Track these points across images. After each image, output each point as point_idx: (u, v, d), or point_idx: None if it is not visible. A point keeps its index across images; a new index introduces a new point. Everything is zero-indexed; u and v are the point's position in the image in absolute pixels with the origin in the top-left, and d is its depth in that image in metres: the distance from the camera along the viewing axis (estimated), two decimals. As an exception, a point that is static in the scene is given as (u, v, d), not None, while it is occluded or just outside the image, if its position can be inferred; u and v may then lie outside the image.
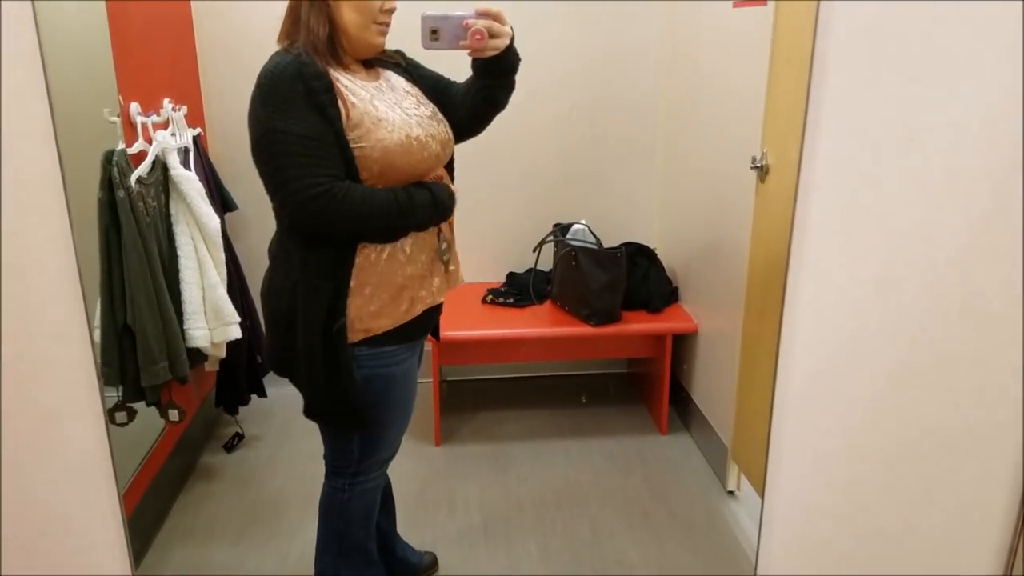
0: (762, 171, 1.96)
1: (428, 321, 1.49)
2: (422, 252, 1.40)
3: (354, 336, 1.35)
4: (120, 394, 1.85)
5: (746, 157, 2.00)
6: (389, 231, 1.33)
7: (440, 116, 1.42)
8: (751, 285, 2.08)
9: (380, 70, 1.42)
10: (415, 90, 1.43)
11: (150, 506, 2.05)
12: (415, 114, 1.36)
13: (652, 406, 2.76)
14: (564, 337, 2.54)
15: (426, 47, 1.31)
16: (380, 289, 1.36)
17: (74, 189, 1.74)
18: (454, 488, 2.31)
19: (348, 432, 1.47)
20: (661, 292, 2.66)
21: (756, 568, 1.30)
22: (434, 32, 1.29)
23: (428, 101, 1.43)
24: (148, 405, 1.93)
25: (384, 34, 1.35)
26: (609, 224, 2.78)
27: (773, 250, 1.93)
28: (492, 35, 1.33)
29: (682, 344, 2.65)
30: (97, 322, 1.81)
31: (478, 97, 1.46)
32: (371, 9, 1.29)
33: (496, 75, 1.42)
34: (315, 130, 1.22)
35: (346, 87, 1.29)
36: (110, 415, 1.87)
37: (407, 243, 1.37)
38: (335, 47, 1.30)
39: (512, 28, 1.37)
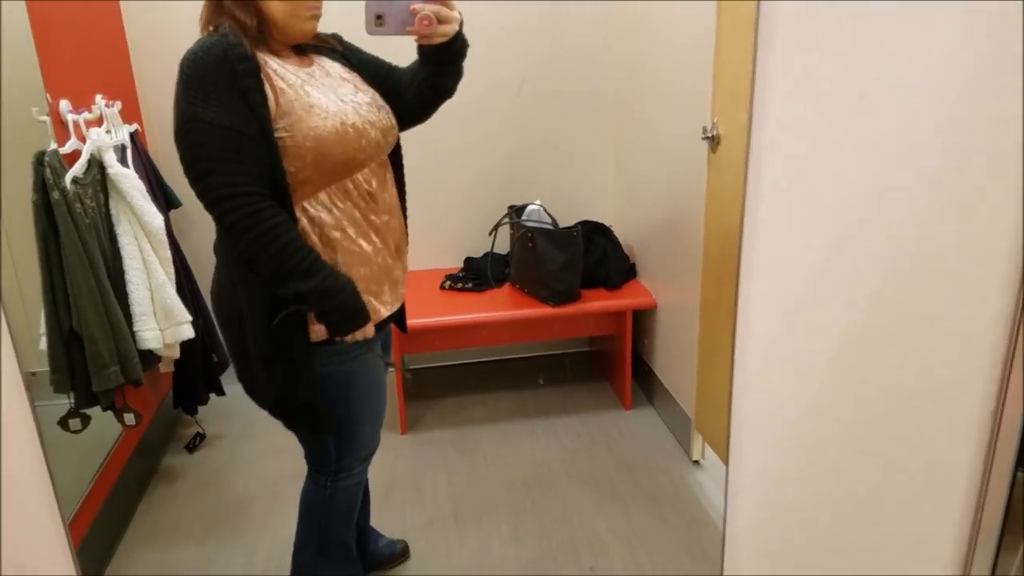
0: (713, 141, 1.98)
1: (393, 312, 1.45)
2: (380, 252, 1.36)
3: (315, 335, 1.32)
4: (72, 401, 1.81)
5: (697, 128, 2.02)
6: (271, 280, 1.24)
7: (381, 103, 1.37)
8: (707, 256, 2.11)
9: (313, 56, 1.36)
10: (353, 76, 1.37)
11: (113, 510, 2.01)
12: (352, 101, 1.30)
13: (615, 382, 2.79)
14: (524, 319, 2.55)
15: (370, 32, 1.25)
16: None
17: (7, 192, 1.70)
18: (422, 475, 2.31)
19: (316, 433, 1.45)
20: (619, 269, 2.68)
21: (724, 536, 1.32)
22: (379, 17, 1.23)
23: (368, 87, 1.37)
24: (104, 410, 1.88)
25: (316, 19, 1.28)
26: (564, 203, 2.78)
27: (727, 219, 1.96)
28: (440, 20, 1.28)
29: (642, 319, 2.68)
30: (42, 329, 1.75)
31: (424, 84, 1.41)
32: None
33: (444, 62, 1.38)
34: (236, 120, 1.16)
35: (275, 71, 1.23)
36: (63, 423, 1.82)
37: (361, 239, 1.33)
38: (263, 33, 1.24)
39: (460, 13, 1.32)
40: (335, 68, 1.36)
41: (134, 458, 2.17)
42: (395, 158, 1.44)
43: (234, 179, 1.17)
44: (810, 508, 1.30)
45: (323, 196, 1.28)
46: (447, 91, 1.44)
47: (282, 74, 1.24)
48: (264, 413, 1.43)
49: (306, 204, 1.27)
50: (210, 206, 1.20)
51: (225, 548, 2.00)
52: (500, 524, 2.07)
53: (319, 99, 1.25)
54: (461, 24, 1.33)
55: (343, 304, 1.26)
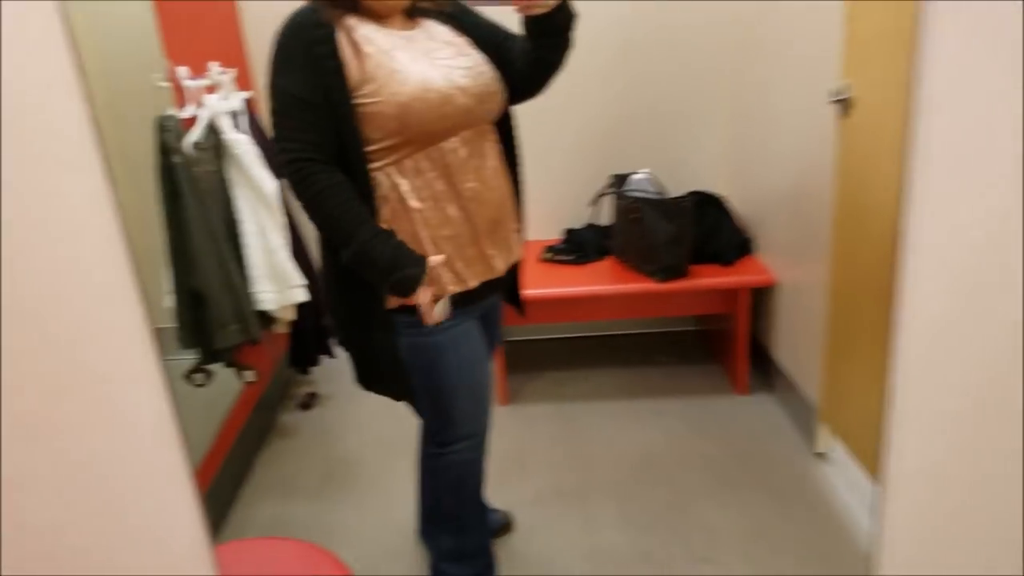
0: (845, 104, 1.80)
1: (485, 290, 1.40)
2: (463, 224, 1.32)
3: (390, 302, 1.32)
4: (197, 357, 1.91)
5: (823, 90, 1.85)
6: (334, 240, 1.28)
7: (483, 68, 1.32)
8: (838, 229, 1.93)
9: (421, 20, 1.34)
10: (460, 40, 1.34)
11: (234, 464, 2.13)
12: (446, 65, 1.26)
13: (728, 365, 2.65)
14: (628, 295, 2.46)
15: (474, 4, 1.26)
16: (419, 247, 1.31)
17: (133, 155, 1.80)
18: (523, 448, 2.29)
19: (400, 401, 1.45)
20: (733, 243, 2.53)
21: (878, 538, 1.20)
22: None
23: (473, 52, 1.33)
24: (227, 366, 1.98)
25: None
26: (673, 172, 2.65)
27: (865, 188, 1.78)
28: None
29: (759, 298, 2.52)
30: (167, 287, 1.85)
31: (531, 57, 1.35)
32: None
33: (547, 33, 1.31)
34: (302, 88, 1.19)
35: (364, 37, 1.23)
36: (188, 377, 1.93)
37: (440, 209, 1.30)
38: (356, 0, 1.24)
39: None
40: (440, 32, 1.33)
41: (253, 414, 2.29)
42: (504, 128, 1.40)
43: (293, 145, 1.21)
44: (978, 512, 1.15)
45: (407, 163, 1.27)
46: (553, 65, 1.37)
47: (372, 38, 1.23)
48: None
49: (389, 170, 1.27)
50: (281, 167, 1.28)
51: (338, 504, 2.07)
52: (606, 505, 2.02)
53: (405, 64, 1.23)
54: None
55: (384, 271, 1.24)
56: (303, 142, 1.21)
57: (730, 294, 2.49)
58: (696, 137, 2.72)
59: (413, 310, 1.30)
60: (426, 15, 1.35)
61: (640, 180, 2.46)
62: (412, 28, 1.31)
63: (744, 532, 1.89)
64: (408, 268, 1.24)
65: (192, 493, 1.24)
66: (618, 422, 2.41)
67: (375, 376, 1.41)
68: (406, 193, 1.28)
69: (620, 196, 2.49)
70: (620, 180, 2.52)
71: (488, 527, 1.71)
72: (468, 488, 1.58)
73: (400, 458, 2.24)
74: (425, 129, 1.24)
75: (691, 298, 2.59)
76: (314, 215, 1.25)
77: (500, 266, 1.40)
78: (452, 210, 1.30)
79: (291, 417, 2.52)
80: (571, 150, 2.71)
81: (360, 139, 1.23)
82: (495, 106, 1.34)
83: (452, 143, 1.28)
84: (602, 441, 2.31)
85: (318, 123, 1.21)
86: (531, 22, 1.29)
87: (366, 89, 1.21)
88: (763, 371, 2.57)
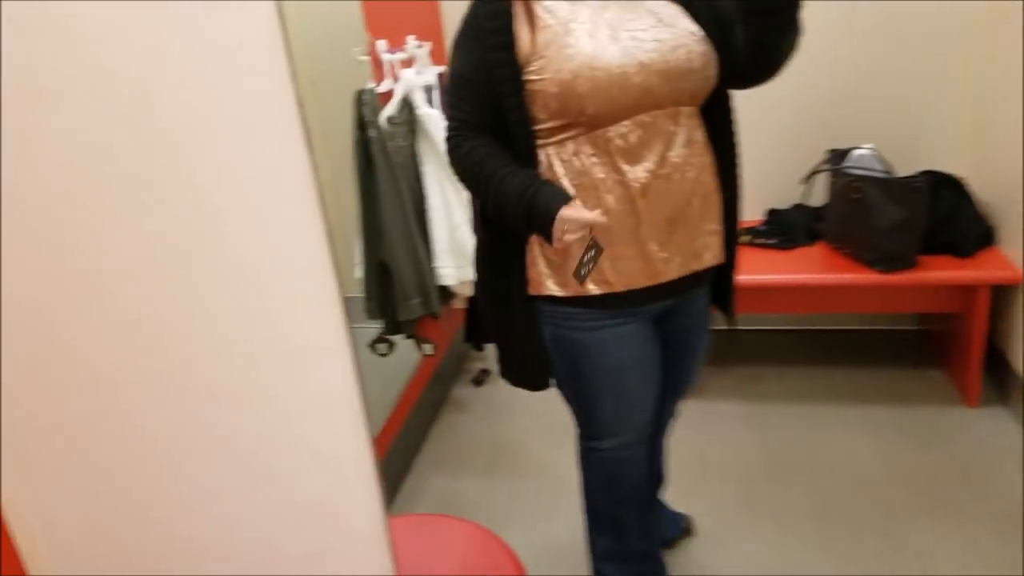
0: None
1: (648, 295, 1.23)
2: (625, 216, 1.17)
3: (533, 288, 1.23)
4: (382, 327, 1.94)
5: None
6: (479, 196, 1.23)
7: (686, 43, 1.14)
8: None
9: None
10: (671, 10, 1.17)
11: (411, 433, 2.16)
12: (633, 38, 1.12)
13: (956, 372, 2.27)
14: (842, 286, 2.16)
15: None
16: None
17: (330, 127, 1.84)
18: (708, 449, 2.11)
19: (528, 389, 1.37)
20: (972, 232, 2.14)
21: None
22: None
23: (683, 23, 1.16)
24: (407, 337, 2.00)
25: None
26: (902, 148, 2.28)
27: None
28: None
29: (1000, 297, 2.13)
30: (357, 258, 1.89)
31: (748, 39, 1.16)
32: None
33: (760, 10, 1.11)
34: (466, 64, 1.17)
35: (546, 7, 1.13)
36: (372, 346, 1.97)
37: (598, 199, 1.16)
38: None
39: None
40: (651, 2, 1.17)
41: (429, 386, 2.31)
42: (715, 113, 1.22)
43: (451, 122, 1.22)
44: None
45: (569, 144, 1.16)
46: (773, 51, 1.16)
47: (554, 9, 1.13)
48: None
49: (549, 150, 1.18)
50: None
51: (507, 485, 2.03)
52: (803, 522, 1.79)
53: (578, 38, 1.11)
54: None
55: (518, 198, 1.15)
56: (459, 119, 1.20)
57: (966, 291, 2.11)
58: (932, 108, 2.32)
59: (558, 300, 1.22)
60: None
61: (863, 156, 2.14)
62: None
63: (964, 564, 1.61)
64: (545, 195, 1.14)
65: (372, 465, 1.22)
66: (821, 429, 2.14)
67: (512, 365, 1.34)
68: (560, 176, 1.17)
69: (838, 174, 2.19)
70: (838, 156, 2.21)
71: (653, 531, 1.56)
72: (623, 488, 1.45)
73: (571, 445, 2.15)
74: (587, 111, 1.11)
75: (918, 293, 2.23)
76: (462, 177, 1.23)
77: (671, 271, 1.22)
78: (610, 200, 1.16)
79: (464, 391, 2.53)
80: (781, 120, 2.40)
81: (526, 117, 1.16)
82: (694, 87, 1.16)
83: (623, 126, 1.13)
84: (801, 449, 2.05)
85: (475, 100, 1.18)
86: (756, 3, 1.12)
87: (534, 65, 1.12)
88: (998, 381, 2.18)
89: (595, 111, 1.11)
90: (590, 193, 1.16)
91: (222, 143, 1.04)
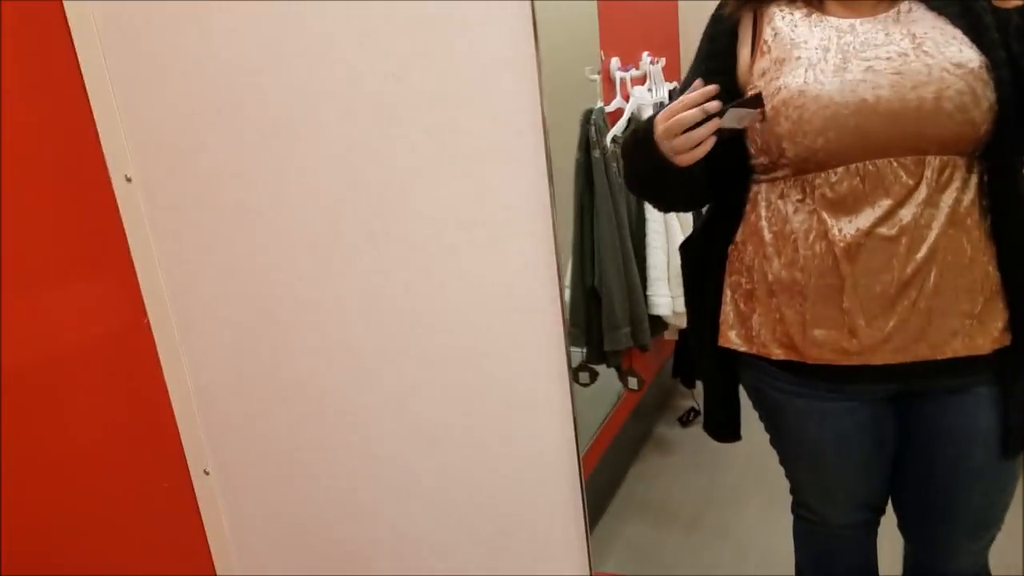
0: None
1: (865, 372, 0.99)
2: (846, 272, 0.94)
3: (721, 336, 1.08)
4: (584, 354, 1.87)
5: None
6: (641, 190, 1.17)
7: (948, 81, 0.90)
8: None
9: (899, 3, 0.96)
10: (945, 33, 0.93)
11: (607, 470, 2.06)
12: (871, 68, 0.91)
13: None
14: None
15: None
16: (755, 283, 1.03)
17: (556, 148, 1.80)
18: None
19: (713, 438, 1.21)
20: None
21: None
22: None
23: (951, 54, 0.91)
24: (608, 367, 1.91)
25: None
26: None
27: None
28: None
29: None
30: (568, 282, 1.83)
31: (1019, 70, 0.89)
32: None
33: None
34: (687, 83, 1.04)
35: (776, 27, 0.98)
36: (574, 374, 1.90)
37: (805, 245, 0.96)
38: None
39: None
40: (917, 17, 0.95)
41: (629, 421, 2.19)
42: (1000, 170, 0.94)
43: None
44: None
45: (779, 184, 0.99)
46: None
47: (781, 31, 0.98)
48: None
49: (761, 187, 1.02)
50: None
51: (715, 543, 1.86)
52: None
53: (794, 67, 0.94)
54: None
55: (633, 151, 1.04)
56: None
57: None
58: None
59: (755, 356, 1.05)
60: None
61: None
62: (872, 13, 0.96)
63: None
64: (644, 133, 0.99)
65: (581, 524, 1.16)
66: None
67: (706, 408, 1.21)
68: (761, 219, 1.01)
69: None
70: None
71: None
72: (835, 572, 1.24)
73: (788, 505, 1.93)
74: (787, 153, 0.94)
75: None
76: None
77: (883, 354, 0.96)
78: (807, 256, 0.97)
79: (669, 431, 2.37)
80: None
81: (739, 150, 1.01)
82: (946, 133, 0.91)
83: (833, 174, 0.94)
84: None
85: None
86: (1007, 17, 0.85)
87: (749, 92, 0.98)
88: None
89: (795, 153, 0.93)
90: (787, 243, 0.98)
91: (461, 169, 1.03)
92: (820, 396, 1.05)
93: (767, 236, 1.02)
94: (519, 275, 1.08)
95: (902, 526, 1.18)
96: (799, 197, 0.98)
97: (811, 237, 0.97)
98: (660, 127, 0.95)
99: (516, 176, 1.04)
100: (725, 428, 1.19)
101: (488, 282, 1.06)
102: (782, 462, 1.20)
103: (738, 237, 1.06)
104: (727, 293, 1.09)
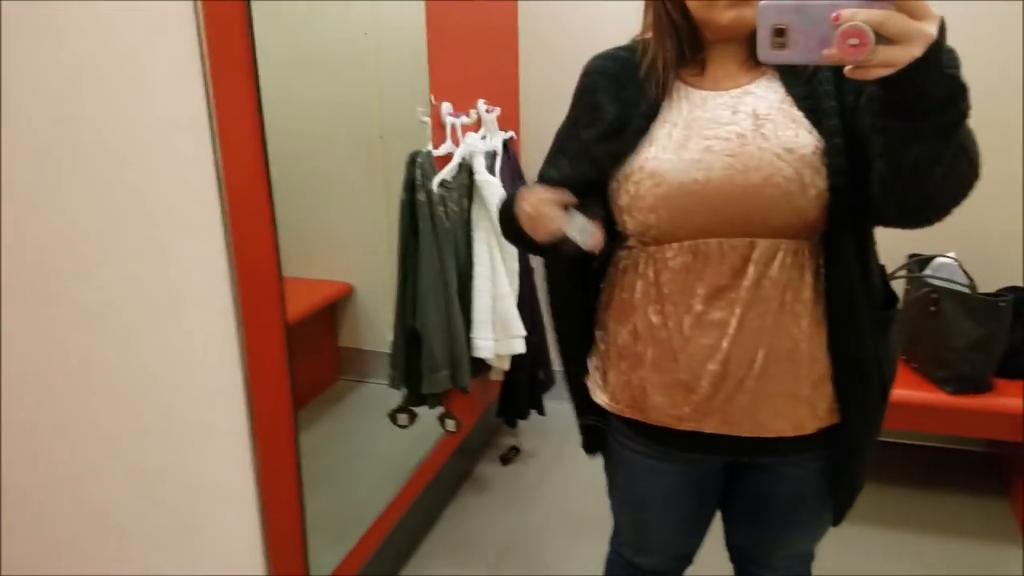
0: None
1: (698, 441, 1.03)
2: (654, 364, 1.00)
3: (589, 375, 1.12)
4: (403, 397, 1.84)
5: None
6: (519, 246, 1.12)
7: (778, 166, 0.89)
8: None
9: (759, 78, 0.96)
10: (786, 114, 0.92)
11: (422, 510, 2.03)
12: (710, 148, 0.92)
13: (1018, 504, 2.06)
14: (906, 403, 1.99)
15: (764, 59, 0.74)
16: (609, 344, 1.07)
17: (389, 189, 1.79)
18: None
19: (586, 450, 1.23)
20: (1057, 359, 1.96)
21: None
22: (779, 32, 0.73)
23: (786, 137, 0.90)
24: (430, 408, 1.90)
25: (737, 7, 0.90)
26: (986, 260, 2.12)
27: None
28: (887, 37, 0.67)
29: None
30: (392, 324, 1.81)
31: (876, 152, 0.81)
32: None
33: (895, 112, 0.74)
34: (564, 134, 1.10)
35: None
36: (392, 416, 1.87)
37: (649, 312, 0.99)
38: (681, 38, 0.98)
39: (940, 20, 0.69)
40: (764, 93, 0.94)
41: (452, 459, 2.19)
42: (835, 254, 0.93)
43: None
44: None
45: (632, 252, 1.03)
46: (909, 174, 0.78)
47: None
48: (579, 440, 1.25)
49: (623, 253, 1.05)
50: None
51: (516, 581, 1.89)
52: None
53: (644, 138, 0.97)
54: (937, 45, 0.68)
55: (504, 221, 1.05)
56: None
57: (1043, 422, 1.92)
58: (1021, 221, 2.17)
59: (615, 417, 1.10)
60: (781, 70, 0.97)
61: (944, 265, 1.99)
62: (738, 86, 0.96)
63: None
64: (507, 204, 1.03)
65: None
66: (863, 556, 1.94)
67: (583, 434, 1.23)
68: (615, 286, 1.06)
69: (915, 282, 2.04)
70: (919, 263, 2.06)
71: None
72: None
73: (592, 542, 1.99)
74: (627, 225, 0.99)
75: (988, 420, 2.02)
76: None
77: (709, 425, 1.00)
78: (642, 326, 1.01)
79: (489, 469, 2.39)
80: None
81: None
82: (774, 218, 0.91)
83: (672, 249, 0.96)
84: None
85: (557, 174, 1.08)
86: (874, 91, 0.76)
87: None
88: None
89: (633, 227, 0.97)
90: (632, 312, 1.02)
91: (137, 233, 0.94)
92: (654, 455, 1.09)
93: (617, 301, 1.05)
94: (200, 351, 1.04)
95: (732, 558, 1.28)
96: (642, 268, 0.99)
97: (649, 309, 0.98)
98: (517, 204, 0.98)
99: (196, 243, 1.01)
100: (587, 443, 1.20)
101: (168, 357, 1.01)
102: (612, 507, 1.24)
103: (603, 297, 1.09)
104: (595, 344, 1.11)
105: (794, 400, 0.97)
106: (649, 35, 0.99)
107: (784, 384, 0.96)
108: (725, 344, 0.94)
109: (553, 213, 0.92)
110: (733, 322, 0.94)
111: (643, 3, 1.00)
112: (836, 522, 1.11)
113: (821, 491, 1.07)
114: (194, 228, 1.03)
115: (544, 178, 1.05)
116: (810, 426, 0.99)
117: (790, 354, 0.95)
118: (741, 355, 0.95)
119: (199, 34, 1.00)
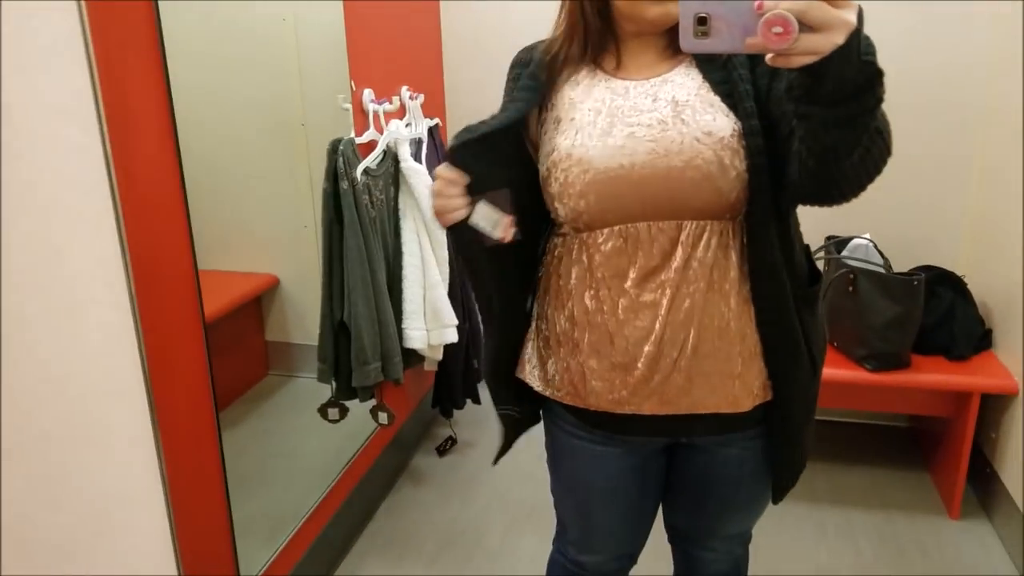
0: None
1: (638, 423, 1.04)
2: (587, 335, 1.01)
3: (521, 367, 1.11)
4: (333, 391, 1.81)
5: None
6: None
7: (699, 149, 0.93)
8: None
9: (682, 61, 0.99)
10: (703, 99, 0.95)
11: (357, 504, 2.00)
12: (632, 135, 0.95)
13: (940, 479, 2.16)
14: (828, 381, 2.04)
15: (687, 48, 0.75)
16: (549, 332, 1.07)
17: (313, 180, 1.75)
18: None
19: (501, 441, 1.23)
20: (969, 335, 2.05)
21: None
22: (702, 21, 0.74)
23: (705, 121, 0.93)
24: (361, 402, 1.87)
25: (661, 3, 0.92)
26: (901, 241, 2.21)
27: None
28: (809, 25, 0.68)
29: (991, 405, 2.03)
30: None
31: (798, 135, 0.83)
32: None
33: (817, 99, 0.75)
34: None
35: (559, 87, 1.04)
36: (323, 411, 1.83)
37: (582, 295, 1.01)
38: (591, 33, 1.01)
39: (858, 8, 0.70)
40: (681, 81, 0.98)
41: (387, 452, 2.17)
42: (758, 233, 0.95)
43: None
44: None
45: (566, 239, 1.04)
46: (830, 156, 0.81)
47: (563, 87, 1.03)
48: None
49: (558, 240, 1.05)
50: None
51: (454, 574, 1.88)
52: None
53: (565, 128, 0.99)
54: (856, 32, 0.69)
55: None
56: None
57: (957, 397, 2.01)
58: (934, 201, 2.26)
59: (547, 399, 1.10)
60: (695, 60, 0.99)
61: (860, 246, 2.06)
62: (657, 74, 0.99)
63: None
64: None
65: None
66: (793, 531, 2.01)
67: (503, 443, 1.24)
68: (552, 273, 1.06)
69: (833, 263, 2.10)
70: (836, 244, 2.13)
71: None
72: None
73: (528, 531, 2.01)
74: (559, 212, 1.00)
75: (907, 395, 2.12)
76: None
77: (648, 406, 1.01)
78: (579, 310, 1.02)
79: (426, 460, 2.38)
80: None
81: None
82: (697, 201, 0.94)
83: (600, 234, 0.99)
84: (770, 553, 1.92)
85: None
86: (792, 78, 0.76)
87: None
88: (984, 492, 2.07)
89: (564, 214, 0.99)
90: (568, 298, 1.02)
91: (27, 227, 0.90)
92: (596, 440, 1.09)
93: (553, 289, 1.05)
94: (97, 351, 1.01)
95: (671, 538, 1.29)
96: (576, 255, 1.01)
97: (585, 295, 1.00)
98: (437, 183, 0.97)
99: (88, 238, 0.97)
100: (505, 437, 1.21)
101: (64, 358, 0.97)
102: (556, 504, 1.23)
103: (540, 285, 1.08)
104: (532, 332, 1.10)
105: (728, 377, 1.00)
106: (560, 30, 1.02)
107: (717, 362, 0.99)
108: (658, 326, 0.96)
109: (456, 200, 0.94)
110: (665, 303, 0.96)
111: None
112: (776, 500, 1.14)
113: (760, 470, 1.10)
114: (85, 221, 0.98)
115: (455, 152, 1.00)
116: (745, 403, 1.01)
117: (721, 332, 0.98)
118: (674, 335, 0.97)
119: (80, 13, 0.95)
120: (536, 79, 1.01)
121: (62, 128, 0.92)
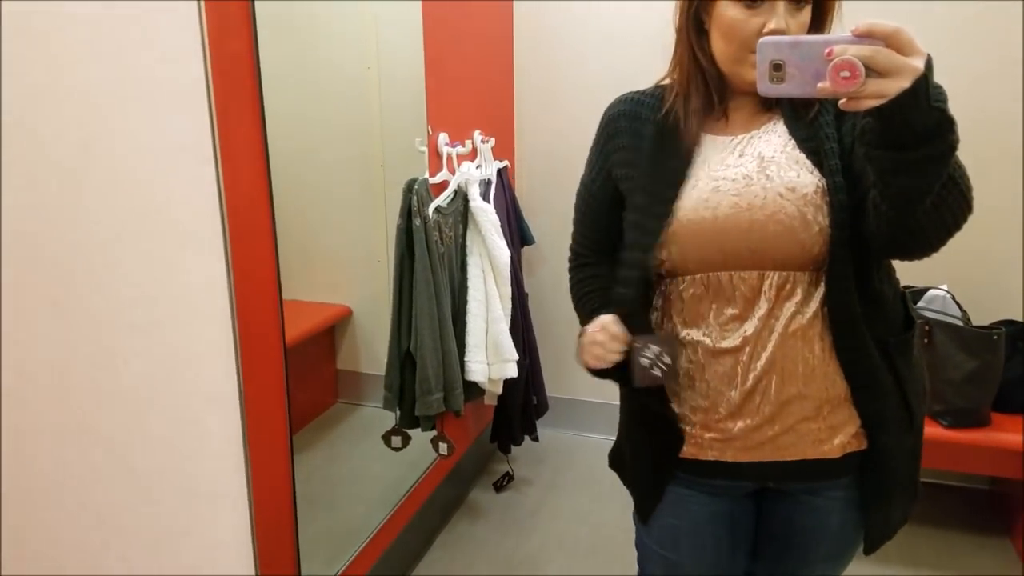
0: None
1: (719, 468, 1.05)
2: (695, 388, 1.03)
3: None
4: (397, 419, 1.86)
5: None
6: None
7: (781, 203, 0.95)
8: None
9: (766, 123, 1.02)
10: (789, 156, 0.98)
11: (413, 536, 2.04)
12: (717, 189, 0.98)
13: (1020, 542, 2.03)
14: (902, 435, 1.98)
15: (763, 92, 0.81)
16: None
17: (388, 217, 1.84)
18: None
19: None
20: (1055, 394, 1.95)
21: None
22: (777, 67, 0.79)
23: (788, 177, 0.96)
24: (423, 431, 1.92)
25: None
26: (980, 293, 2.13)
27: None
28: (875, 70, 0.73)
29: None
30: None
31: (872, 181, 0.86)
32: (746, 34, 0.92)
33: (886, 143, 0.78)
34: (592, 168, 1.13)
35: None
36: (386, 438, 1.89)
37: (670, 319, 1.05)
38: (700, 88, 1.02)
39: (927, 57, 0.74)
40: (769, 136, 1.00)
41: (443, 484, 2.19)
42: (840, 286, 0.95)
43: (574, 237, 1.20)
44: None
45: (663, 285, 1.07)
46: (902, 202, 0.82)
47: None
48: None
49: (665, 284, 1.07)
50: None
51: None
52: None
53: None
54: (924, 78, 0.72)
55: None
56: (581, 235, 1.20)
57: (1043, 459, 1.91)
58: (1016, 252, 2.18)
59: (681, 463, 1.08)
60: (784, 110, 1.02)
61: (937, 298, 2.00)
62: (746, 131, 1.02)
63: None
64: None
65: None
66: (865, 595, 1.92)
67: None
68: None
69: (905, 315, 2.04)
70: (913, 295, 2.07)
71: None
72: None
73: (590, 570, 1.99)
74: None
75: (986, 455, 2.02)
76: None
77: (729, 453, 1.03)
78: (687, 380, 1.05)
79: (483, 495, 2.39)
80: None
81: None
82: (778, 252, 0.96)
83: (682, 281, 1.02)
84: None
85: (592, 216, 1.18)
86: (866, 122, 0.80)
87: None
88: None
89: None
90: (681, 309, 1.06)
91: (146, 247, 1.00)
92: (684, 483, 1.09)
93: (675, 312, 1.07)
94: (199, 360, 1.10)
95: None
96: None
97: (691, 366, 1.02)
98: (584, 337, 1.03)
99: (197, 259, 1.07)
100: (615, 462, 1.23)
101: (168, 365, 1.06)
102: (640, 559, 1.20)
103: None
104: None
105: (814, 423, 1.00)
106: (669, 81, 1.05)
107: (802, 408, 0.99)
108: (740, 372, 0.99)
109: (616, 355, 1.00)
110: (747, 349, 0.98)
111: (672, 49, 1.04)
112: (867, 551, 1.10)
113: (847, 524, 1.07)
114: (198, 245, 1.08)
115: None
116: (834, 451, 1.01)
117: (806, 379, 0.98)
118: (756, 383, 0.99)
119: (206, 65, 1.07)
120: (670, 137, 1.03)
121: (183, 161, 1.02)
